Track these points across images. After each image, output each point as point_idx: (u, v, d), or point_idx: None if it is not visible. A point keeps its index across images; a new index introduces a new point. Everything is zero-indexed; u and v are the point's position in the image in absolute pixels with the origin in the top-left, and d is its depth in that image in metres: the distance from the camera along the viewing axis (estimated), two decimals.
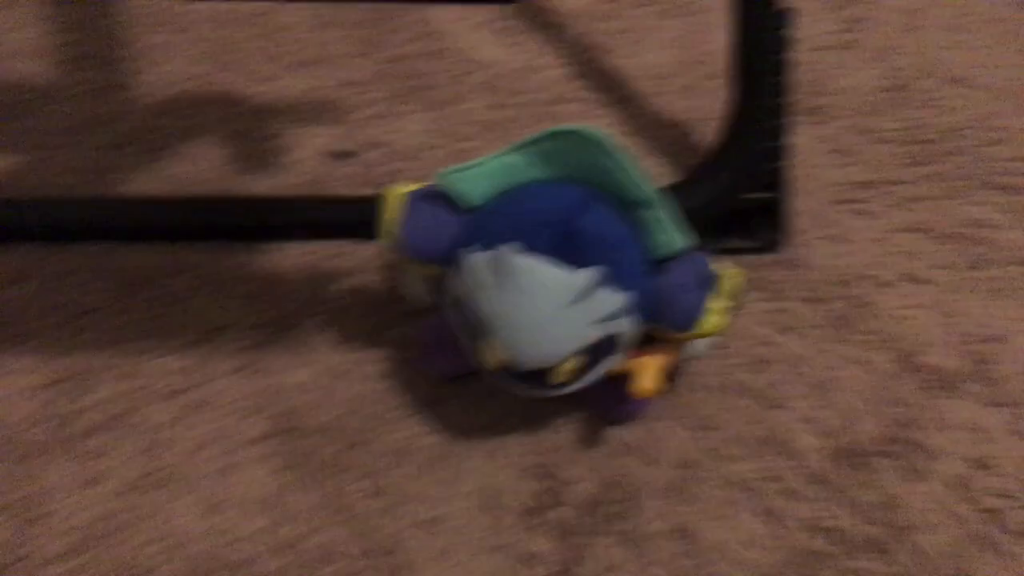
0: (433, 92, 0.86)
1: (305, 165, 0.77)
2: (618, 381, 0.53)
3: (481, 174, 0.51)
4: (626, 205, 0.50)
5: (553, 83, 0.86)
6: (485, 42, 0.91)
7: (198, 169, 0.76)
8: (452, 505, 0.54)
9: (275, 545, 0.52)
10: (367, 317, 0.65)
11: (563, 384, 0.50)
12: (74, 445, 0.57)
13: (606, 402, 0.56)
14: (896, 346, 0.62)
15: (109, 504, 0.54)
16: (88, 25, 0.92)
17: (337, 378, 0.61)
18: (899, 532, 0.53)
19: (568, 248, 0.47)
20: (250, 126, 0.81)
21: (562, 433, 0.58)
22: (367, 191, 0.75)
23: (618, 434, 0.57)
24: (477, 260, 0.48)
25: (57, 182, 0.74)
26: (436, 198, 0.52)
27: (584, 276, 0.46)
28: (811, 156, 0.78)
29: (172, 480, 0.55)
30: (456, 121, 0.82)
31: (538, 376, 0.50)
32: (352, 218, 0.71)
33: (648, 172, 0.52)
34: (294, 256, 0.70)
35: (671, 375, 0.57)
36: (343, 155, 0.78)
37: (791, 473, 0.55)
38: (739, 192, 0.67)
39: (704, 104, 0.84)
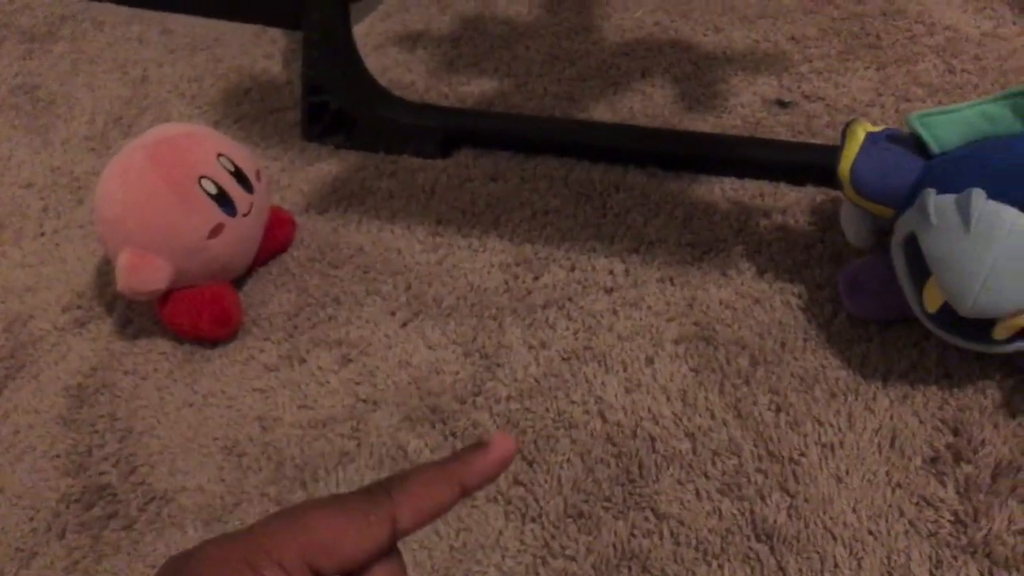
0: (881, 51, 0.85)
1: (744, 110, 0.82)
2: None
3: (957, 120, 0.51)
4: None
5: (1020, 52, 0.81)
6: (949, 5, 0.88)
7: (650, 104, 0.85)
8: (854, 436, 0.57)
9: (685, 429, 0.59)
10: (791, 253, 0.69)
11: (1005, 341, 0.50)
12: (530, 313, 0.69)
13: None
14: None
15: (552, 365, 0.65)
16: None
17: (756, 302, 0.66)
18: None
19: None
20: (699, 71, 0.88)
21: (981, 395, 0.57)
22: (804, 140, 0.78)
23: None
24: (941, 201, 0.49)
25: (532, 104, 0.88)
26: (900, 140, 0.54)
27: None
28: None
29: (601, 358, 0.65)
30: (903, 81, 0.81)
31: (980, 326, 0.50)
32: (786, 162, 0.75)
33: None
34: (725, 190, 0.75)
35: None
36: (784, 104, 0.81)
37: None
38: None
39: None
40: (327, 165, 0.85)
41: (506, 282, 0.71)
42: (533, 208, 0.77)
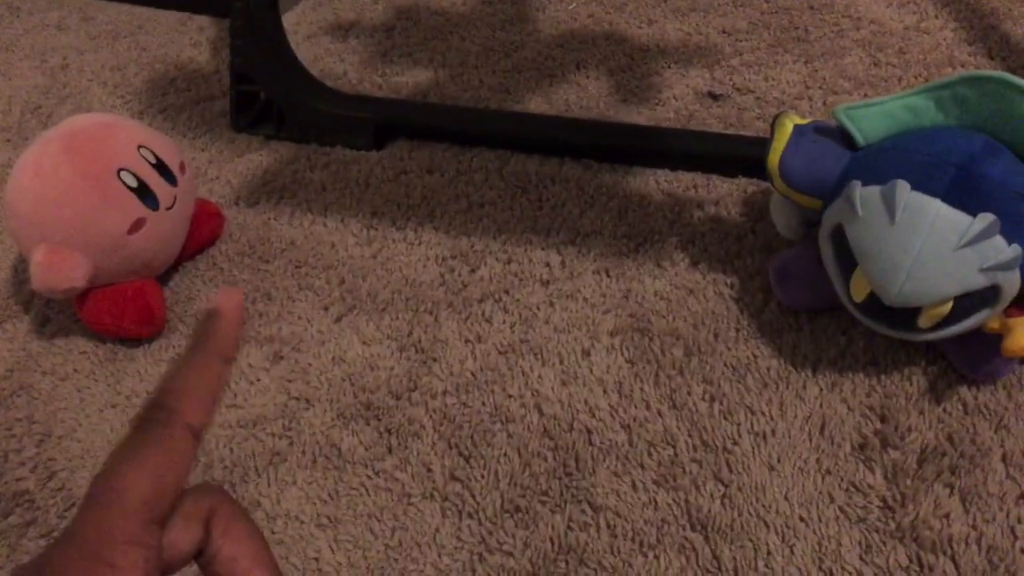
0: (809, 45, 0.87)
1: (678, 102, 0.83)
2: (984, 338, 0.53)
3: (881, 112, 0.52)
4: None
5: (943, 46, 0.83)
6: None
7: (583, 96, 0.85)
8: (785, 424, 0.58)
9: (621, 421, 0.59)
10: (723, 244, 0.69)
11: (929, 329, 0.51)
12: (466, 307, 0.68)
13: (967, 357, 0.55)
14: None
15: (489, 359, 0.64)
16: None
17: (690, 292, 0.66)
18: None
19: (966, 192, 0.47)
20: (633, 63, 0.88)
21: (907, 382, 0.58)
22: (735, 132, 0.79)
23: (970, 393, 0.57)
24: (867, 192, 0.50)
25: (467, 95, 0.87)
26: (826, 132, 0.55)
27: (981, 220, 0.47)
28: None
29: (538, 351, 0.64)
30: (831, 74, 0.82)
31: (906, 315, 0.51)
32: (718, 154, 0.76)
33: None
34: (659, 182, 0.76)
35: None
36: (716, 96, 0.82)
37: None
38: None
39: None
40: (257, 156, 0.83)
41: (442, 275, 0.70)
42: (469, 200, 0.76)
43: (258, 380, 0.63)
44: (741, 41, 0.89)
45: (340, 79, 0.91)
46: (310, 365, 0.64)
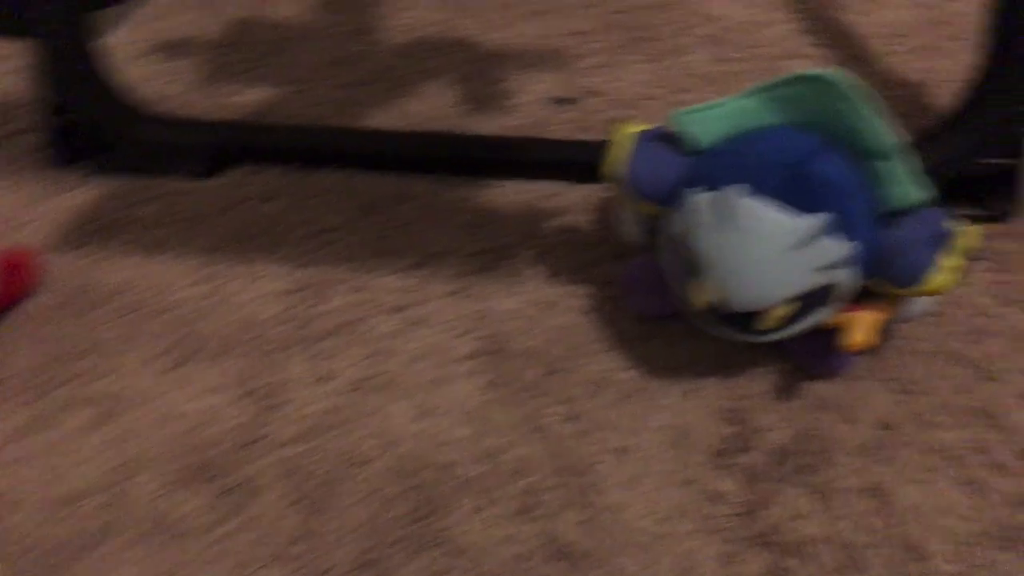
0: (657, 43, 0.86)
1: (528, 109, 0.81)
2: (826, 334, 0.53)
3: (714, 116, 0.51)
4: (861, 155, 0.49)
5: (782, 38, 0.84)
6: None
7: (431, 107, 0.82)
8: (644, 437, 0.56)
9: (476, 454, 0.57)
10: (576, 254, 0.68)
11: (771, 330, 0.51)
12: (310, 345, 0.64)
13: (810, 354, 0.55)
14: None
15: (337, 399, 0.60)
16: None
17: (544, 308, 0.64)
18: None
19: (797, 192, 0.47)
20: (481, 70, 0.85)
21: (758, 381, 0.58)
22: (585, 137, 0.77)
23: (817, 388, 0.57)
24: (701, 199, 0.49)
25: (310, 112, 0.83)
26: (664, 139, 0.53)
27: (810, 221, 0.46)
28: None
29: (391, 385, 0.61)
30: (678, 72, 0.82)
31: (747, 320, 0.50)
32: (568, 161, 0.74)
33: (891, 123, 0.50)
34: (511, 193, 0.74)
35: (880, 334, 0.55)
36: (564, 101, 0.81)
37: (1000, 447, 0.53)
38: (975, 156, 0.63)
39: (942, 65, 0.79)
40: (78, 194, 0.76)
41: (285, 311, 0.66)
42: (313, 227, 0.72)
43: (79, 449, 0.58)
44: (591, 43, 0.88)
45: (174, 100, 0.85)
46: (139, 424, 0.59)
